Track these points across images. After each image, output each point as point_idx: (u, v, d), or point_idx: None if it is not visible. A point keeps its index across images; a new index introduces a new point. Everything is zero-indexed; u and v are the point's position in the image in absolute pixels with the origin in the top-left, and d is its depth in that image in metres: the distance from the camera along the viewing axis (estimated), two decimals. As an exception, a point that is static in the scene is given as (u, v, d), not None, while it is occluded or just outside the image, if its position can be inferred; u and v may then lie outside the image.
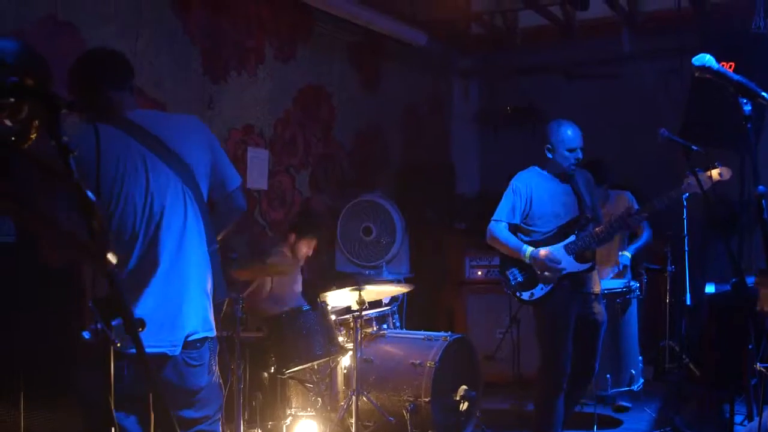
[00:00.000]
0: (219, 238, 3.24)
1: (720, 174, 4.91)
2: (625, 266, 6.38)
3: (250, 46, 6.79)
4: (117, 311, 2.01)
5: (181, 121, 3.21)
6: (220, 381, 3.24)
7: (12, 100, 2.05)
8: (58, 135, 2.03)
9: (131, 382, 2.76)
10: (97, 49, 3.24)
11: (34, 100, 2.08)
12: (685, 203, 5.66)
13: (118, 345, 2.09)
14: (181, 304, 2.97)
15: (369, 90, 8.33)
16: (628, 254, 6.31)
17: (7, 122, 2.04)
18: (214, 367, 3.17)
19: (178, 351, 2.94)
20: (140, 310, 2.85)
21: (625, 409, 6.34)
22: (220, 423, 3.21)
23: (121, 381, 2.72)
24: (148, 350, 2.77)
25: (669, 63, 7.56)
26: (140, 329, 1.96)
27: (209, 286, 3.10)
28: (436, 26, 8.43)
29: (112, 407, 2.16)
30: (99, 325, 2.11)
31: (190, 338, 2.99)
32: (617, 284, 6.15)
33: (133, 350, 2.68)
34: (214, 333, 3.12)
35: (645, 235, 6.34)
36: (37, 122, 2.08)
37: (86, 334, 2.66)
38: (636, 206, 6.15)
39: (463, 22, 8.97)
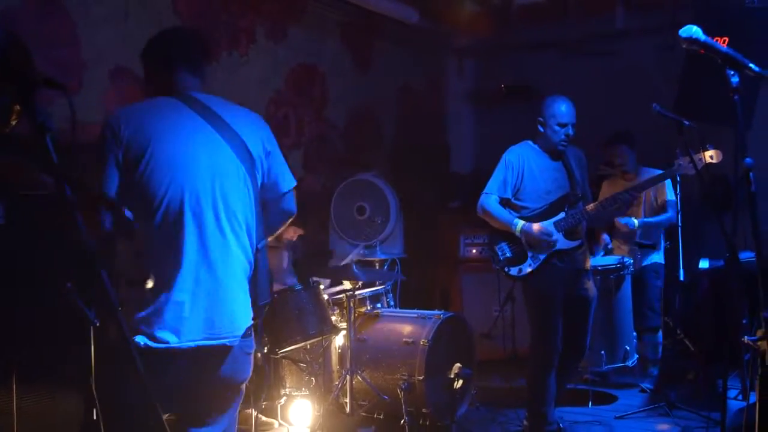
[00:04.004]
0: (269, 239, 3.16)
1: (711, 157, 4.93)
2: (626, 228, 6.30)
3: (242, 26, 6.74)
4: (96, 291, 1.99)
5: (246, 112, 3.11)
6: None
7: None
8: (33, 113, 2.01)
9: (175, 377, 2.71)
10: (178, 29, 3.19)
11: (8, 78, 2.06)
12: (678, 179, 5.65)
13: (98, 324, 2.08)
14: (237, 290, 2.88)
15: (362, 69, 8.28)
16: (635, 221, 6.27)
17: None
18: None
19: (237, 342, 2.87)
20: (190, 292, 2.75)
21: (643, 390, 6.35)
22: None
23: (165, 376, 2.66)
24: (207, 342, 2.76)
25: (663, 39, 7.51)
26: (120, 308, 1.94)
27: (249, 275, 2.98)
28: (430, 3, 8.37)
29: (93, 388, 2.13)
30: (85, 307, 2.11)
31: (247, 325, 2.94)
32: (610, 260, 6.15)
33: (189, 344, 2.71)
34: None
35: (666, 215, 6.24)
36: (18, 107, 2.06)
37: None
38: (667, 185, 6.15)
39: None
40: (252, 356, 3.03)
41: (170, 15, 6.04)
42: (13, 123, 2.10)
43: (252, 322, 2.96)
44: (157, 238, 2.75)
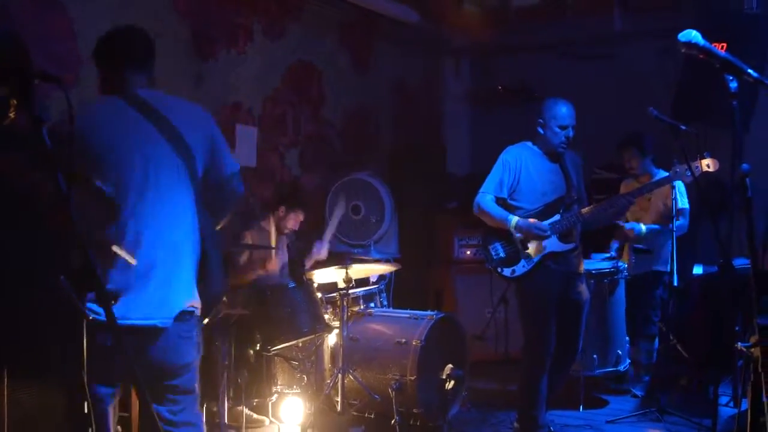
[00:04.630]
0: (220, 224, 3.34)
1: (708, 165, 4.91)
2: (632, 233, 6.23)
3: (239, 23, 6.73)
4: (90, 284, 1.99)
5: (187, 105, 3.29)
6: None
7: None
8: (30, 106, 2.03)
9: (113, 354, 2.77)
10: (125, 27, 3.30)
11: (6, 72, 2.07)
12: (674, 184, 5.63)
13: (90, 318, 2.08)
14: (171, 278, 3.01)
15: (359, 68, 8.27)
16: (643, 227, 6.20)
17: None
18: (200, 345, 3.23)
19: (170, 323, 2.99)
20: (127, 281, 2.90)
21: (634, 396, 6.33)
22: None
23: (104, 353, 2.76)
24: (138, 322, 2.88)
25: (662, 42, 7.51)
26: (113, 302, 1.95)
27: (196, 261, 3.14)
28: (428, 3, 8.37)
29: (85, 381, 2.13)
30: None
31: (184, 309, 3.05)
32: (605, 265, 6.14)
33: (125, 322, 2.77)
34: (198, 310, 3.16)
35: (678, 223, 6.09)
36: (15, 101, 2.09)
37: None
38: (681, 194, 6.04)
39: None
40: (192, 340, 3.13)
41: (169, 11, 6.03)
42: (11, 116, 2.12)
43: (191, 307, 3.09)
44: (97, 225, 2.94)
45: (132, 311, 2.87)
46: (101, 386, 2.97)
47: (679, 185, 5.90)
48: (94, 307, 2.78)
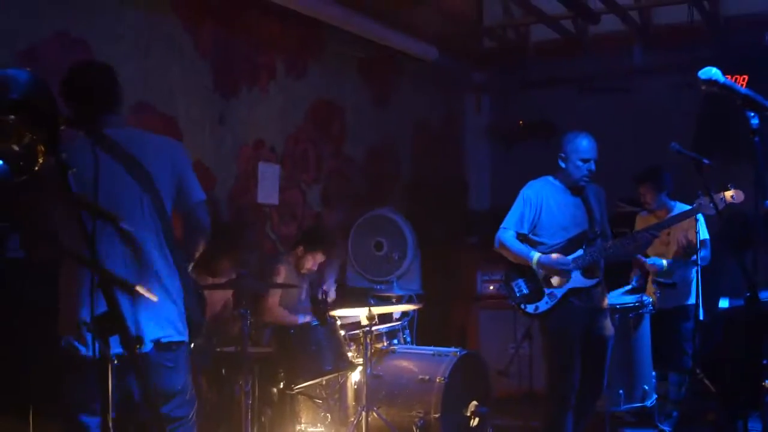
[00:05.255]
0: (192, 257, 3.47)
1: (732, 197, 4.88)
2: (654, 269, 6.20)
3: (262, 62, 6.81)
4: (115, 327, 2.01)
5: (157, 140, 3.41)
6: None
7: (12, 117, 2.08)
8: (57, 151, 2.07)
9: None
10: (87, 64, 3.47)
11: (33, 117, 2.11)
12: (698, 217, 5.60)
13: (116, 362, 2.11)
14: (139, 308, 3.10)
15: (381, 105, 8.33)
16: (664, 262, 6.17)
17: (15, 147, 2.09)
18: (189, 372, 3.40)
19: (147, 349, 3.11)
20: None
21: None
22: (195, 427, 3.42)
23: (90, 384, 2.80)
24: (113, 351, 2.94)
25: (681, 77, 7.51)
26: (138, 346, 1.98)
27: (176, 294, 3.27)
28: (448, 41, 8.43)
29: (110, 423, 2.15)
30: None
31: (164, 340, 3.20)
32: (629, 299, 6.09)
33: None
34: (186, 338, 3.31)
35: (700, 255, 6.07)
36: (42, 147, 2.13)
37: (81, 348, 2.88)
38: (700, 226, 6.01)
39: (474, 36, 8.98)
40: (175, 369, 3.26)
41: (191, 51, 6.11)
42: (40, 162, 2.16)
43: (178, 338, 3.24)
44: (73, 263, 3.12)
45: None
46: (84, 415, 3.11)
47: (699, 217, 5.88)
48: (77, 344, 2.99)
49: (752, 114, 2.71)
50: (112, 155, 3.14)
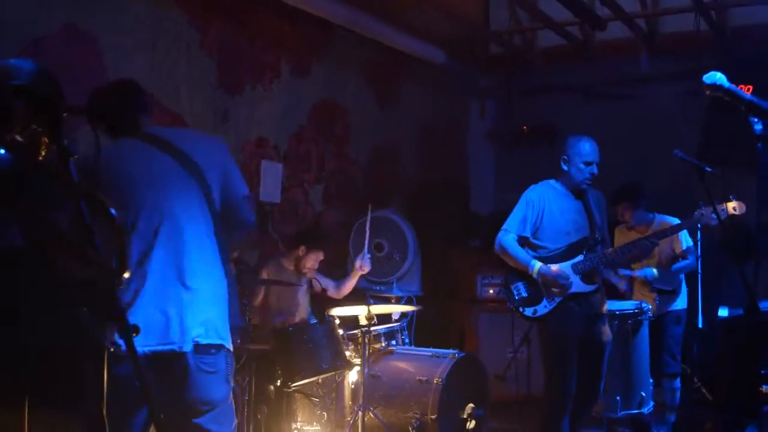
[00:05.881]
0: (233, 255, 3.42)
1: (734, 208, 4.88)
2: (646, 279, 6.27)
3: (267, 60, 6.82)
4: (112, 315, 2.01)
5: (200, 136, 3.44)
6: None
7: (17, 106, 2.09)
8: (59, 138, 2.07)
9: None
10: (122, 82, 3.47)
11: (37, 106, 2.11)
12: (699, 226, 5.61)
13: (112, 350, 2.10)
14: (184, 307, 3.00)
15: (385, 107, 8.33)
16: (654, 271, 6.22)
17: (18, 138, 2.08)
18: (231, 381, 3.20)
19: (187, 348, 2.97)
20: (139, 310, 2.93)
21: None
22: None
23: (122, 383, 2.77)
24: (155, 348, 2.91)
25: (687, 85, 7.48)
26: (134, 334, 1.97)
27: (222, 296, 3.16)
28: (454, 45, 8.43)
29: (104, 412, 2.14)
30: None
31: (202, 341, 3.02)
32: (628, 305, 6.09)
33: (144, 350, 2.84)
34: (229, 345, 3.14)
35: (687, 262, 6.16)
36: (46, 138, 2.13)
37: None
38: (682, 235, 6.08)
39: (481, 41, 8.98)
40: (216, 376, 3.08)
41: (196, 48, 6.12)
42: (43, 153, 2.16)
43: (218, 340, 3.07)
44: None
45: (147, 337, 2.88)
46: (132, 417, 2.97)
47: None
48: (120, 341, 2.79)
49: (756, 120, 2.70)
50: (165, 151, 3.14)
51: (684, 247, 6.18)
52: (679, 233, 6.05)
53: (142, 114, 3.29)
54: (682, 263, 6.22)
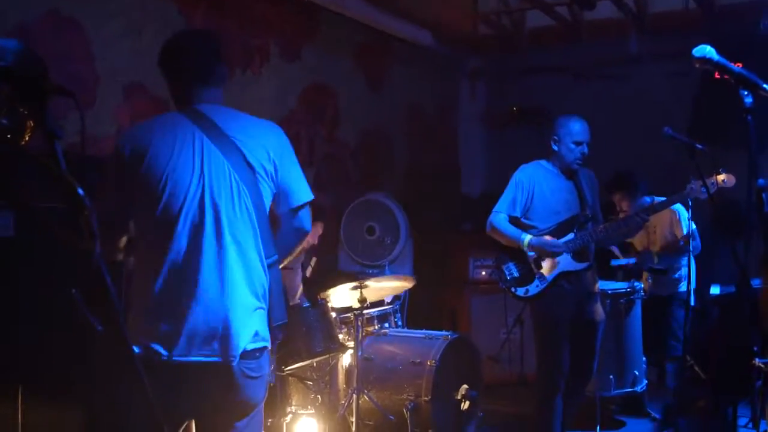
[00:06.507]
0: (284, 261, 3.04)
1: (724, 181, 4.87)
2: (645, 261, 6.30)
3: (255, 45, 6.78)
4: (101, 300, 1.98)
5: (256, 123, 3.02)
6: None
7: (3, 88, 2.06)
8: (43, 120, 2.03)
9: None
10: (187, 34, 3.15)
11: (23, 88, 2.08)
12: (690, 204, 5.60)
13: (102, 331, 2.06)
14: (228, 310, 2.77)
15: (375, 90, 8.30)
16: (654, 257, 6.23)
17: (3, 121, 2.05)
18: (268, 381, 3.05)
19: (235, 361, 2.77)
20: (187, 314, 2.72)
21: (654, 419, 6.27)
22: None
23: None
24: (199, 359, 2.72)
25: (677, 64, 7.49)
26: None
27: (263, 293, 2.89)
28: (443, 26, 8.40)
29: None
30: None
31: (249, 347, 2.81)
32: (621, 285, 6.11)
33: (181, 359, 2.69)
34: (269, 344, 2.93)
35: (693, 244, 6.13)
36: (32, 122, 2.10)
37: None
38: (682, 219, 6.07)
39: (470, 22, 8.94)
40: (260, 380, 2.90)
41: (184, 32, 6.07)
42: (27, 138, 2.13)
43: (262, 343, 2.86)
44: (154, 251, 2.77)
45: (190, 347, 2.70)
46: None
47: (681, 211, 5.95)
48: (158, 347, 2.70)
49: (746, 93, 2.69)
50: (204, 132, 2.83)
51: (684, 233, 6.13)
52: (681, 219, 6.04)
53: (192, 81, 2.94)
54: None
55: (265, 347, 2.88)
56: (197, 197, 2.78)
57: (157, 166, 2.77)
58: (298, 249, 3.15)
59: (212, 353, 2.75)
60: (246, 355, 2.79)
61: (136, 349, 2.63)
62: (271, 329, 2.94)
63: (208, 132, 2.84)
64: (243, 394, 2.84)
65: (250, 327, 2.82)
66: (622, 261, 6.57)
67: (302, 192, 3.01)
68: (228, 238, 2.79)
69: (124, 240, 2.89)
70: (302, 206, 3.01)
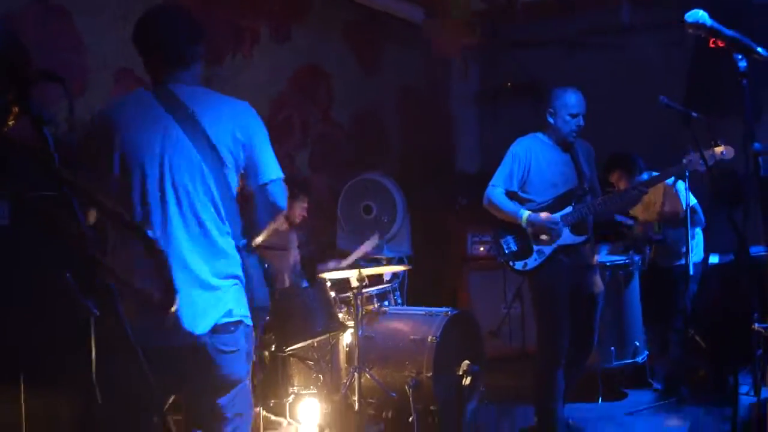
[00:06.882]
0: (258, 238, 3.05)
1: (722, 152, 4.84)
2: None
3: (246, 27, 6.72)
4: (94, 281, 1.98)
5: (226, 102, 3.02)
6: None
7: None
8: (28, 107, 2.01)
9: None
10: (160, 10, 3.10)
11: (5, 73, 2.06)
12: (687, 175, 5.58)
13: (98, 314, 2.05)
14: (192, 289, 2.79)
15: (367, 69, 8.26)
16: (657, 228, 6.21)
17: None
18: (250, 360, 3.03)
19: (201, 339, 2.79)
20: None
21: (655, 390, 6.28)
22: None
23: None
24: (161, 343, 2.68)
25: (670, 34, 7.46)
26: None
27: (231, 273, 2.90)
28: (436, 3, 8.34)
29: (95, 380, 2.11)
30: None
31: (221, 321, 2.83)
32: (619, 257, 6.10)
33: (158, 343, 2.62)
34: (248, 319, 2.94)
35: (697, 217, 6.10)
36: (16, 108, 2.08)
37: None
38: (685, 197, 6.04)
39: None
40: (237, 354, 2.90)
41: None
42: (10, 124, 2.11)
43: (236, 318, 2.87)
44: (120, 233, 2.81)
45: (156, 332, 2.64)
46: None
47: (679, 186, 5.92)
48: None
49: (740, 56, 2.67)
50: (170, 112, 2.84)
51: (684, 208, 6.08)
52: (679, 194, 5.98)
53: (158, 59, 2.94)
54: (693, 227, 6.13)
55: (240, 321, 2.89)
56: (158, 177, 2.81)
57: (120, 145, 2.81)
58: (273, 225, 3.12)
59: (176, 335, 2.75)
60: (218, 329, 2.82)
61: None
62: (252, 309, 2.96)
63: (174, 112, 2.86)
64: (220, 369, 2.85)
65: (218, 306, 2.83)
66: (624, 219, 6.54)
67: (270, 168, 3.01)
68: (190, 218, 2.83)
69: (93, 215, 2.84)
70: (271, 182, 3.01)
